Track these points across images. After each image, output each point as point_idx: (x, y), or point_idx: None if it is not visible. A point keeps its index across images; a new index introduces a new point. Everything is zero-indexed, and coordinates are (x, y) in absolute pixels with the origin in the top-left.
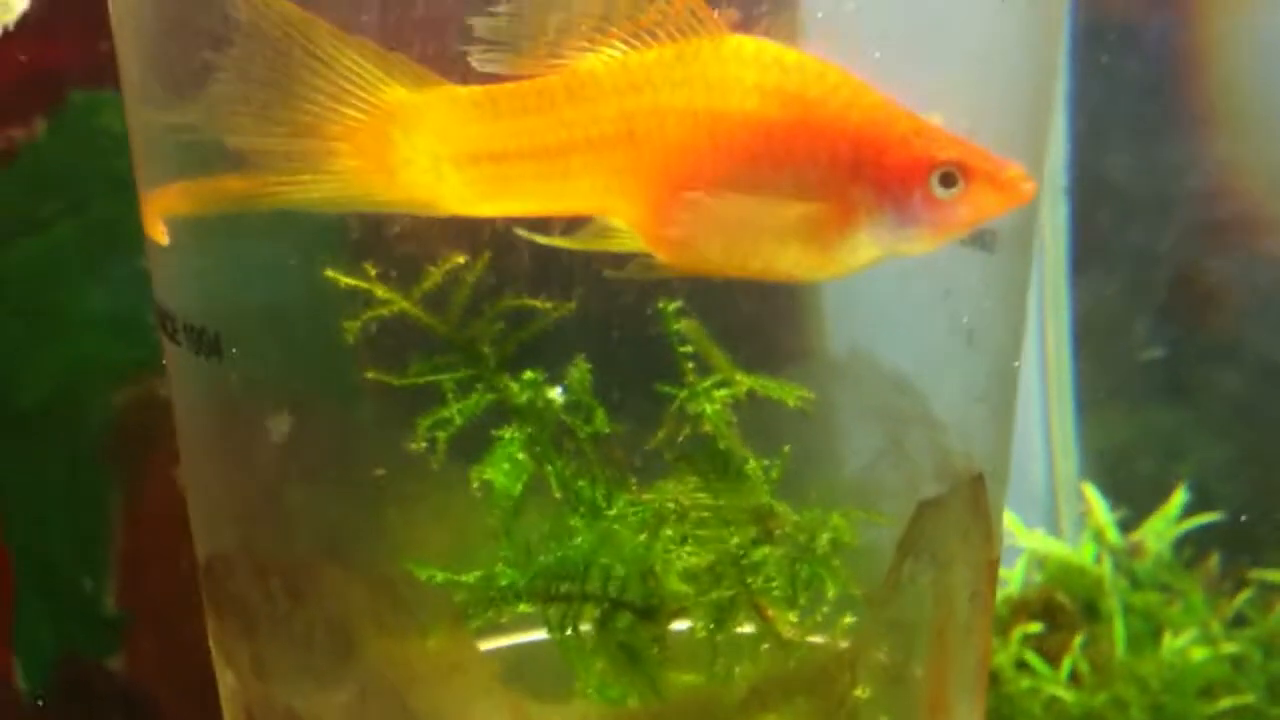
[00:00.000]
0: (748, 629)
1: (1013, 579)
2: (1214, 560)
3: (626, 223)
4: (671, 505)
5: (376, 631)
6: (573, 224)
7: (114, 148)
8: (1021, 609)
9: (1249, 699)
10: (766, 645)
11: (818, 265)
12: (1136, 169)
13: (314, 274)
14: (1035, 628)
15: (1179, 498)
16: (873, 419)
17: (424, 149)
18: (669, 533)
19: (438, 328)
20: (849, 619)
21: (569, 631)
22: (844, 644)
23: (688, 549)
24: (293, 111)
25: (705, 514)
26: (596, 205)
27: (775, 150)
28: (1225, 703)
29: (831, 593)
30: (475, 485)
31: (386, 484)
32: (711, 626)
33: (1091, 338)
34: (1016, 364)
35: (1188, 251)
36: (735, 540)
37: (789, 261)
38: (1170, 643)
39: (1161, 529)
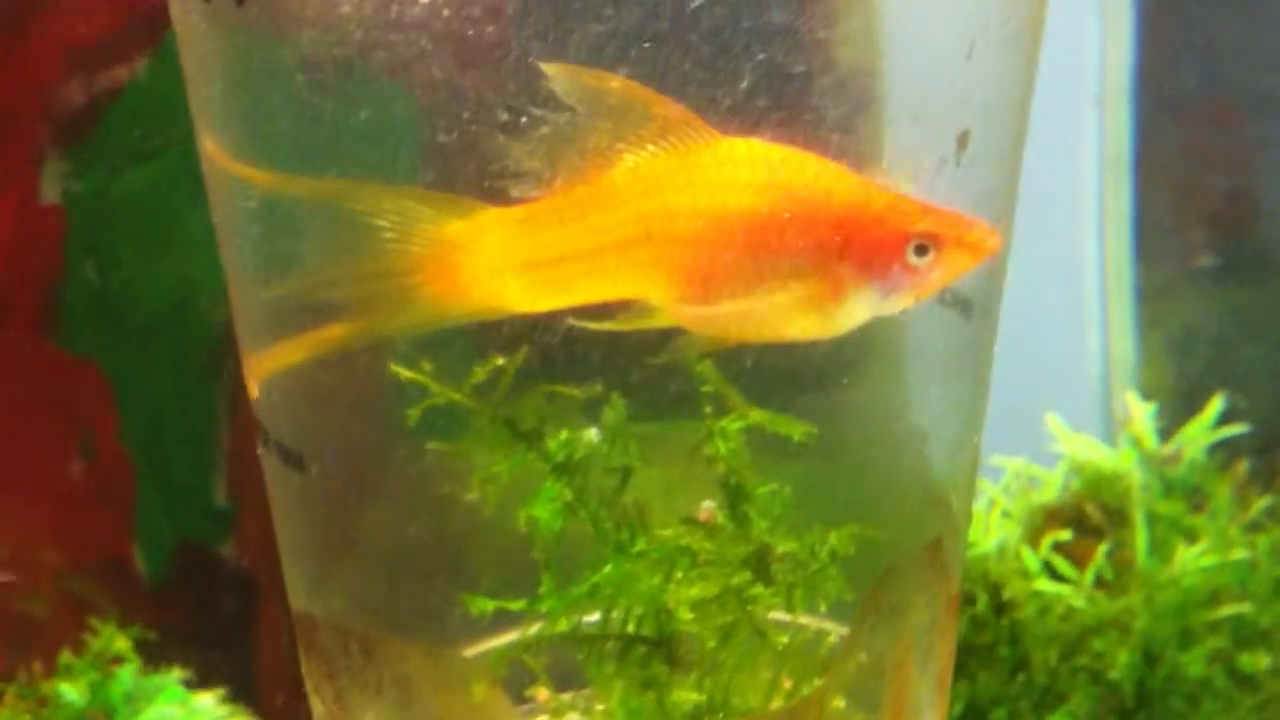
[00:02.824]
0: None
1: (1051, 484)
2: (1242, 464)
3: (659, 303)
4: (683, 545)
5: (432, 688)
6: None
7: None
8: (1055, 516)
9: (1245, 608)
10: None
11: (816, 329)
12: (1200, 80)
13: (380, 399)
14: (1065, 535)
15: (1216, 404)
16: (876, 444)
17: (485, 265)
18: (679, 574)
19: (483, 410)
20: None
21: (595, 660)
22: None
23: (695, 588)
24: (371, 263)
25: (711, 556)
26: (633, 292)
27: (769, 239)
28: (1225, 610)
29: (824, 608)
30: (521, 522)
31: (439, 565)
32: (713, 647)
33: (1150, 241)
34: (976, 440)
35: (1242, 163)
36: (736, 579)
37: (793, 329)
38: (1183, 551)
39: (1197, 435)
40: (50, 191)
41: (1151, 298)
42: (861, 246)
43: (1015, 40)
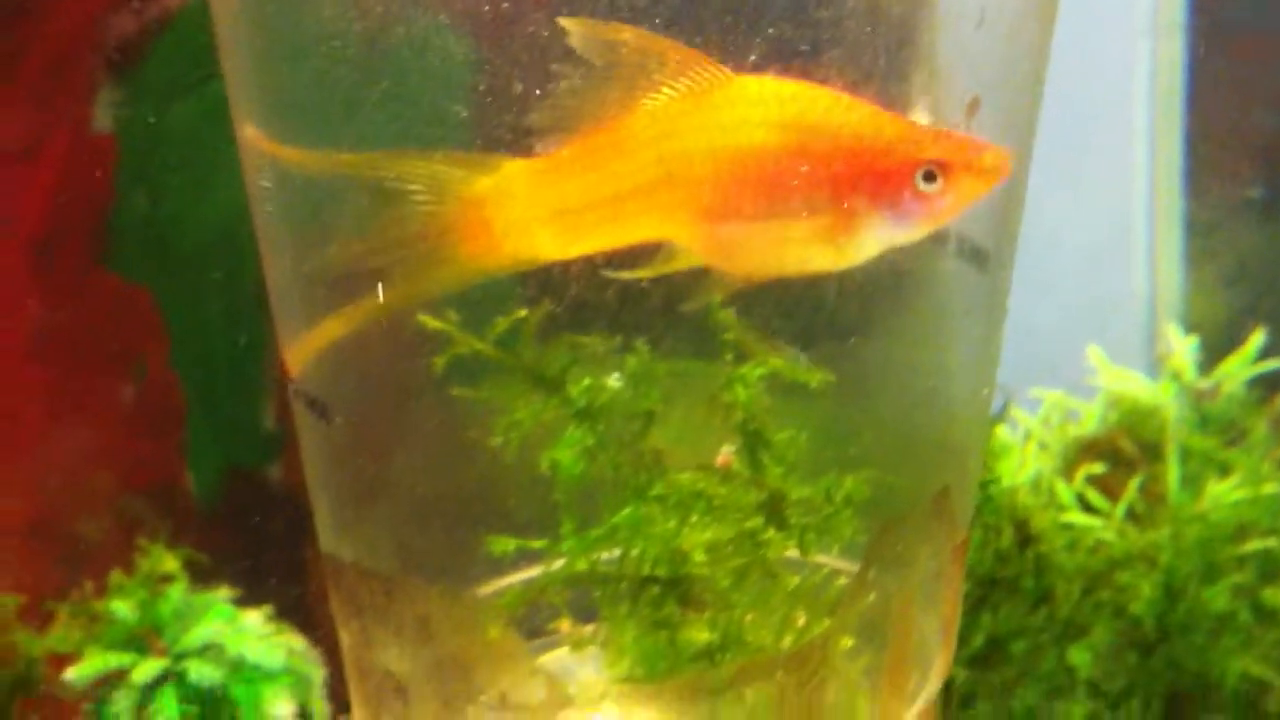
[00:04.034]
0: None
1: (1090, 417)
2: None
3: (683, 244)
4: (698, 490)
5: (450, 627)
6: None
7: None
8: (1090, 449)
9: (1272, 542)
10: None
11: (833, 261)
12: (1253, 12)
13: (403, 352)
14: (1097, 468)
15: (1257, 338)
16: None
17: (515, 217)
18: (695, 518)
19: (507, 360)
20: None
21: (610, 599)
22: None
23: (709, 531)
24: (408, 228)
25: (726, 501)
26: (658, 234)
27: (783, 173)
28: (1251, 545)
29: (835, 550)
30: (545, 465)
31: (458, 512)
32: (726, 588)
33: (1200, 173)
34: (988, 392)
35: None
36: (750, 524)
37: (812, 261)
38: (1214, 486)
39: (1236, 369)
40: (102, 121)
41: (1200, 230)
42: (871, 176)
43: (1026, 9)
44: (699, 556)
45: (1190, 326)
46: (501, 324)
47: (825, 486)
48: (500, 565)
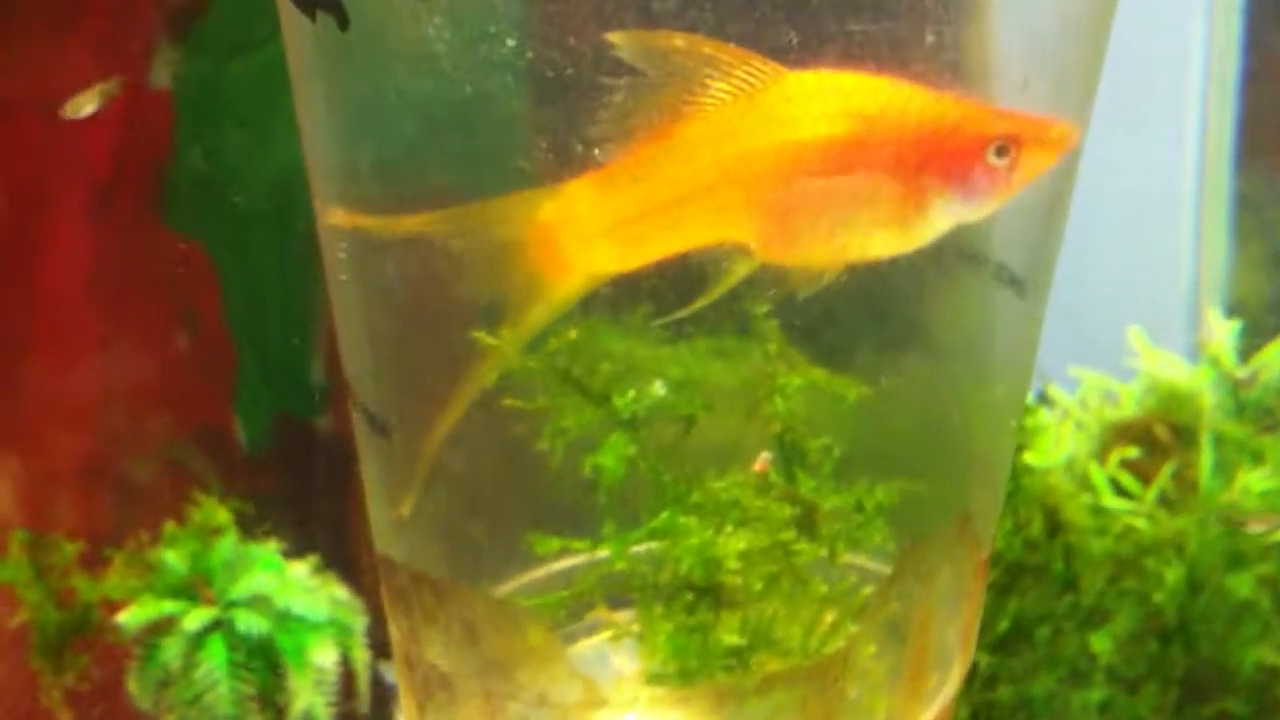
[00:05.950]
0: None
1: (1127, 400)
2: None
3: (744, 240)
4: (731, 500)
5: (493, 630)
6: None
7: None
8: (1125, 433)
9: None
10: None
11: (901, 243)
12: None
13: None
14: (1131, 452)
15: None
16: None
17: (581, 234)
18: (729, 527)
19: (555, 374)
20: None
21: (645, 602)
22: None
23: (743, 541)
24: (495, 277)
25: (760, 512)
26: (723, 236)
27: (846, 164)
28: (1278, 535)
29: (865, 558)
30: (588, 469)
31: (503, 527)
32: (758, 592)
33: (1251, 155)
34: (1015, 421)
35: None
36: (783, 535)
37: (877, 245)
38: (1244, 474)
39: (1275, 357)
40: (160, 78)
41: (1248, 211)
42: (941, 156)
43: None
44: (732, 564)
45: (1235, 308)
46: (553, 344)
47: (856, 496)
48: (539, 559)
